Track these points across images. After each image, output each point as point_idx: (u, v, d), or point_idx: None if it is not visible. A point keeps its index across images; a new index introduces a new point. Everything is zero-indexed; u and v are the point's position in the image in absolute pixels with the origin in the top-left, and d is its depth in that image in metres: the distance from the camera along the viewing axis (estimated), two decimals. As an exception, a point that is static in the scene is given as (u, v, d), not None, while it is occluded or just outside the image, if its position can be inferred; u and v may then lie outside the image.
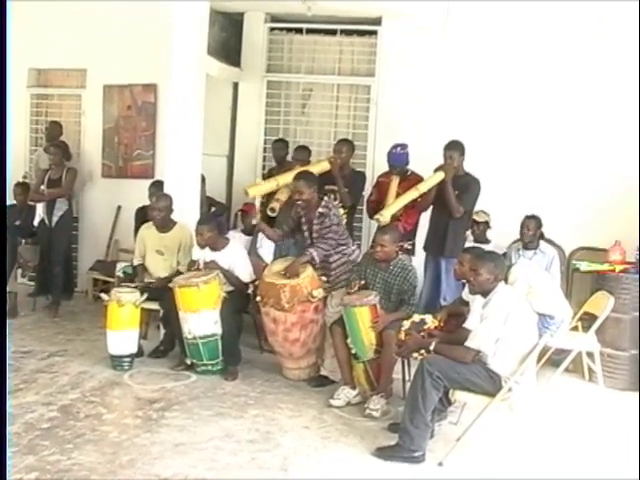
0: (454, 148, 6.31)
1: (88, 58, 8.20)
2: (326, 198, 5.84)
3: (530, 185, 7.37)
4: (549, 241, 6.68)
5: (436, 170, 6.30)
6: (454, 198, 6.24)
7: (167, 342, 6.22)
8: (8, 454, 4.04)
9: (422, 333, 4.99)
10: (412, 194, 6.28)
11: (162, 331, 6.32)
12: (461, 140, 6.37)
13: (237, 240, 6.53)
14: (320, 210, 5.76)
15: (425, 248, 6.64)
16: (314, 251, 5.70)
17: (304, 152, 7.13)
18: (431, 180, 6.28)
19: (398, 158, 6.53)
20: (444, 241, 6.39)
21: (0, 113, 6.17)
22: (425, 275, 6.58)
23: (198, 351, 5.75)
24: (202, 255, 6.08)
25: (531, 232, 6.44)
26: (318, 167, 6.48)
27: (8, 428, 4.37)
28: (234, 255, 6.11)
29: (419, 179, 6.47)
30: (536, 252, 6.49)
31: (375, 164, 7.62)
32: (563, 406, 5.62)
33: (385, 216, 6.07)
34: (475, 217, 6.89)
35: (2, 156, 6.24)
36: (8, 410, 4.59)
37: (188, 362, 5.86)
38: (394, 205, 6.23)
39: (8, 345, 5.45)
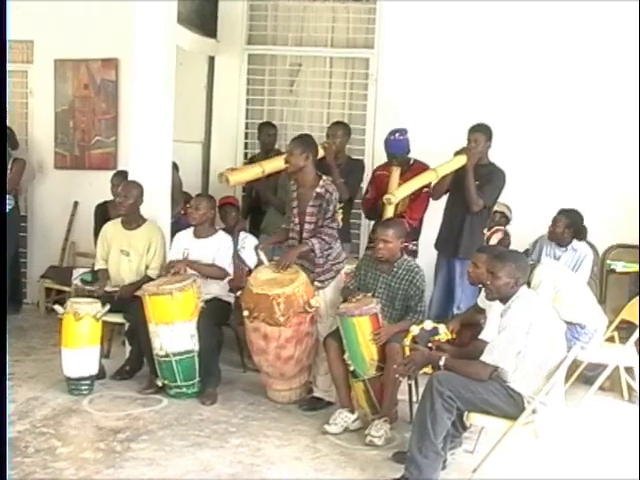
0: (480, 131, 6.38)
1: (36, 28, 8.17)
2: (325, 177, 5.79)
3: (558, 175, 7.44)
4: (587, 242, 6.73)
5: (457, 153, 6.36)
6: (474, 188, 6.29)
7: (134, 361, 6.22)
8: (8, 454, 4.25)
9: (430, 345, 5.01)
10: (429, 176, 6.36)
11: (128, 348, 6.33)
12: (488, 124, 6.42)
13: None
14: (318, 190, 5.69)
15: (437, 247, 6.69)
16: (317, 242, 5.67)
17: None
18: (452, 163, 6.35)
19: (397, 145, 6.59)
20: (459, 240, 6.43)
21: (0, 111, 6.26)
22: (436, 279, 6.63)
23: (171, 370, 5.76)
24: (183, 244, 6.15)
25: (559, 229, 6.49)
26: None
27: (8, 428, 4.59)
28: (219, 244, 6.19)
29: (425, 168, 6.52)
30: (566, 249, 6.55)
31: (375, 151, 7.64)
32: (597, 430, 5.63)
33: (397, 196, 6.15)
34: (501, 209, 6.94)
35: (2, 153, 6.32)
36: (8, 410, 4.76)
37: (159, 384, 5.88)
38: (407, 186, 6.30)
39: (7, 346, 5.52)
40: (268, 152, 7.45)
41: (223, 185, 6.51)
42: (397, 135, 6.62)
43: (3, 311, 5.66)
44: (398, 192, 6.26)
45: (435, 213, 6.72)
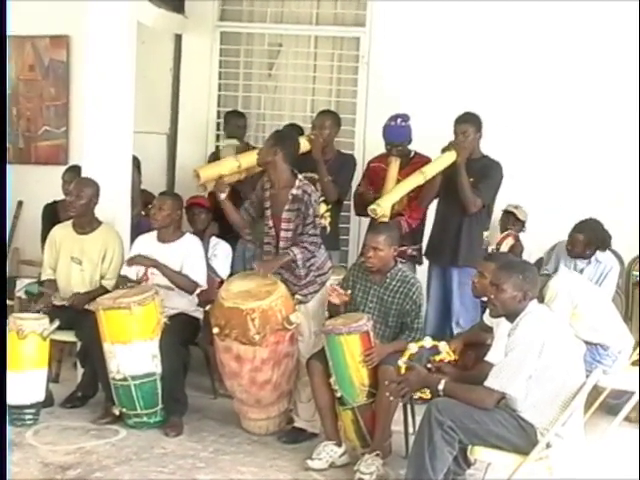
0: (468, 121, 6.43)
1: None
2: (301, 177, 5.81)
3: (576, 176, 7.53)
4: (612, 251, 6.80)
5: (445, 149, 6.39)
6: (469, 187, 6.33)
7: (86, 386, 6.22)
8: (8, 454, 4.45)
9: (429, 366, 5.01)
10: (416, 179, 6.36)
11: (80, 371, 6.32)
12: (477, 113, 6.46)
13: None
14: (293, 192, 5.72)
15: (428, 255, 6.73)
16: (299, 252, 5.68)
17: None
18: (440, 161, 6.38)
19: (398, 133, 6.61)
20: (457, 246, 6.47)
21: (1, 110, 6.54)
22: (428, 292, 6.66)
23: (130, 397, 5.76)
24: (145, 250, 6.14)
25: (578, 249, 6.56)
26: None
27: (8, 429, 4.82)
28: (188, 250, 6.19)
29: (427, 162, 6.55)
30: (590, 262, 6.60)
31: (366, 143, 7.74)
32: (622, 468, 5.62)
33: (383, 207, 6.14)
34: (515, 212, 6.96)
35: (2, 154, 6.37)
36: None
37: (116, 412, 5.87)
38: (394, 193, 6.30)
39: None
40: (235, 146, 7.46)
41: (192, 183, 6.53)
42: (399, 121, 6.63)
43: (3, 310, 5.71)
44: (384, 201, 6.21)
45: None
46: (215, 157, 7.51)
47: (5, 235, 6.65)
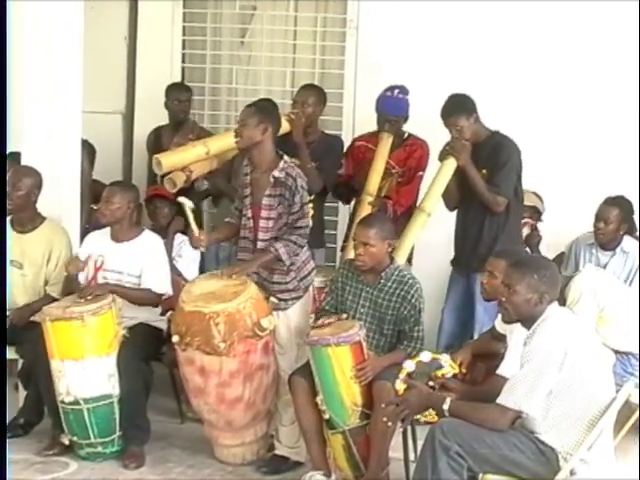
0: (456, 111, 6.32)
1: None
2: (286, 158, 5.78)
3: (594, 156, 7.57)
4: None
5: (441, 157, 6.34)
6: (485, 188, 6.28)
7: (30, 411, 6.18)
8: (8, 454, 4.69)
9: (431, 383, 4.99)
10: (421, 220, 6.38)
11: (22, 393, 6.28)
12: (465, 93, 6.42)
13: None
14: (276, 174, 5.69)
15: (455, 263, 6.72)
16: (282, 247, 5.63)
17: None
18: (439, 181, 6.34)
19: (395, 105, 6.71)
20: (478, 248, 6.41)
21: (1, 106, 6.67)
22: (447, 299, 6.70)
23: (82, 423, 5.73)
24: (96, 249, 6.13)
25: (613, 225, 6.55)
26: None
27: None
28: (147, 251, 6.16)
29: (422, 147, 6.62)
30: (615, 253, 6.59)
31: (356, 122, 7.76)
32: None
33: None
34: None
35: (2, 148, 6.65)
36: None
37: (65, 441, 5.85)
38: (406, 244, 6.33)
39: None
40: (178, 125, 7.47)
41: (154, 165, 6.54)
42: (396, 92, 6.70)
43: (3, 311, 5.75)
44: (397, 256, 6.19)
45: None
46: (157, 135, 7.54)
47: (5, 236, 6.66)
